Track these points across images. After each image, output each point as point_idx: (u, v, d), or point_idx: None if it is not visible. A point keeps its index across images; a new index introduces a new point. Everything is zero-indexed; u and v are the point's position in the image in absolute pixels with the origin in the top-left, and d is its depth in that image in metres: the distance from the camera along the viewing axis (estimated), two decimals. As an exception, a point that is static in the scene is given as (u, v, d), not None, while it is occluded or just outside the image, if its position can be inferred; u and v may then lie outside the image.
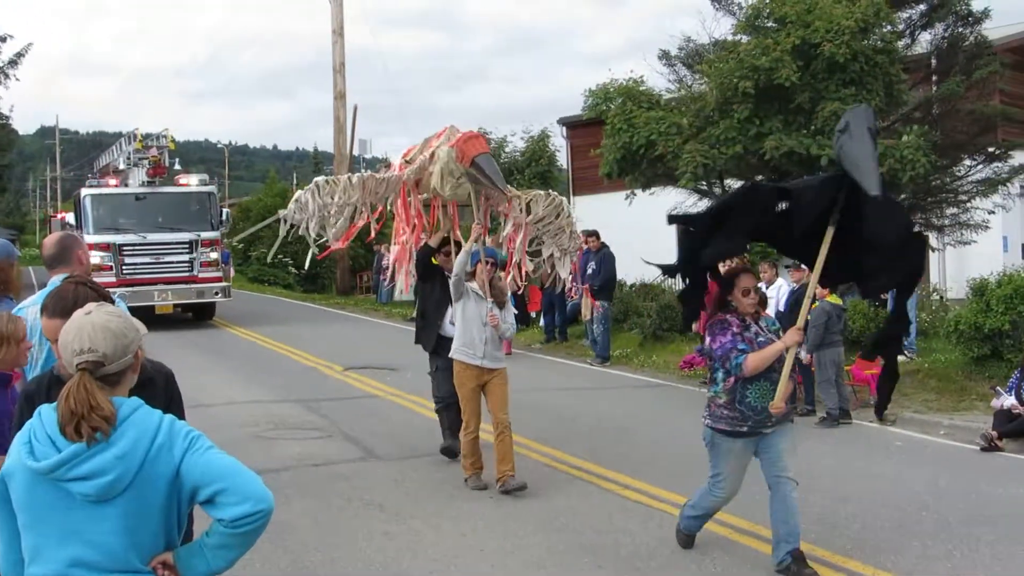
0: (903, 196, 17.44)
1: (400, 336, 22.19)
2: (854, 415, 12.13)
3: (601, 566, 7.04)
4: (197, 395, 13.61)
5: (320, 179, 9.43)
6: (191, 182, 22.41)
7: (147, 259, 20.82)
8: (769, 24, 16.49)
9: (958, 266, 21.67)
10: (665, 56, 20.28)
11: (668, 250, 24.38)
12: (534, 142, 24.06)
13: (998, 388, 11.04)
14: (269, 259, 16.85)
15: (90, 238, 20.53)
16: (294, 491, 8.68)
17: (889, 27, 17.34)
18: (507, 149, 24.16)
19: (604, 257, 17.45)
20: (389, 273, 13.70)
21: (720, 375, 6.44)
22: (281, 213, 9.47)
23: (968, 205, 18.77)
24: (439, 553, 7.04)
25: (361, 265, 32.09)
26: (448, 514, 8.13)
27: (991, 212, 19.16)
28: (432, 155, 9.18)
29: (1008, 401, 10.51)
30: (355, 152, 39.99)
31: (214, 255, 21.95)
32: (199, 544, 2.84)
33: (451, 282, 8.55)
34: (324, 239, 9.82)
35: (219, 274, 22.32)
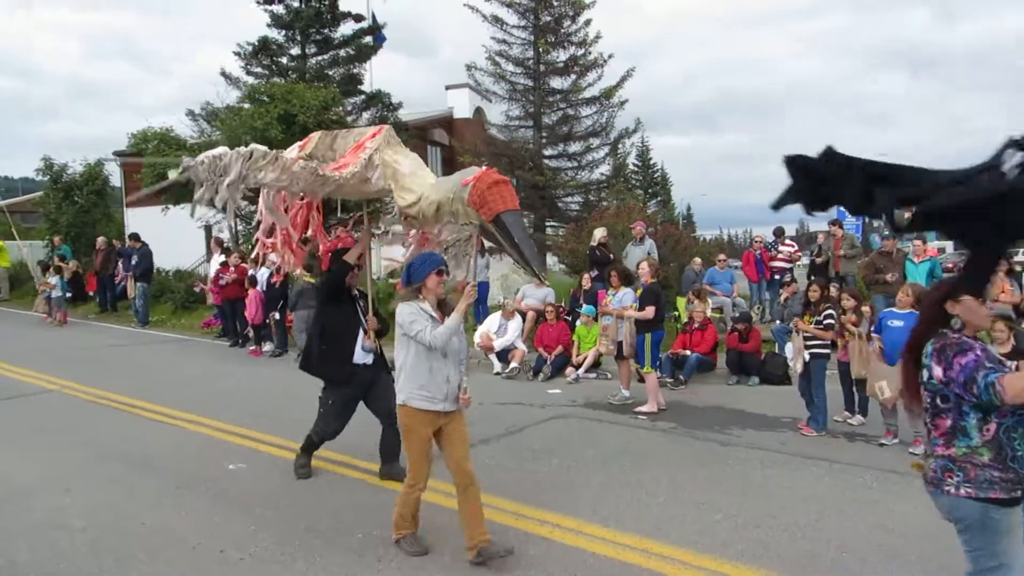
0: (351, 214, 18.25)
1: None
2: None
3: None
4: None
5: (259, 147, 5.23)
6: None
7: None
8: (264, 98, 16.33)
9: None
10: (191, 114, 19.38)
11: (192, 243, 23.18)
12: (91, 167, 21.70)
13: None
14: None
15: None
16: None
17: (341, 108, 18.01)
18: (68, 172, 21.46)
19: (144, 252, 16.26)
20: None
21: (972, 421, 3.05)
22: (186, 161, 5.22)
23: (393, 221, 20.07)
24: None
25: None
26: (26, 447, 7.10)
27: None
28: (370, 160, 5.45)
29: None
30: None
31: None
32: None
33: (435, 339, 4.37)
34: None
35: None
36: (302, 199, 6.24)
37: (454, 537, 4.62)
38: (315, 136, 6.19)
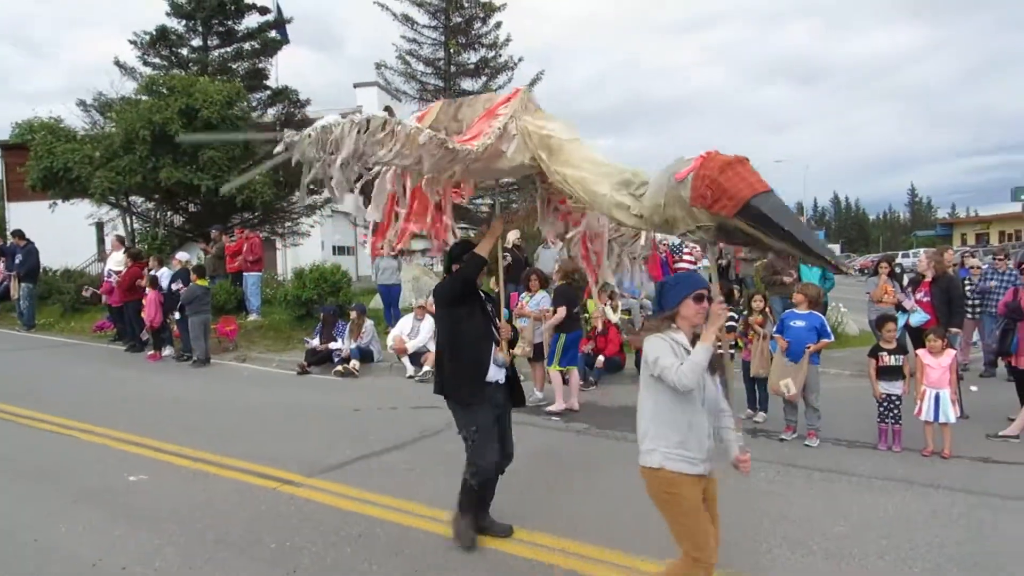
0: (256, 214, 17.75)
1: None
2: (215, 358, 11.99)
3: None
4: None
5: (377, 115, 3.95)
6: None
7: None
8: (163, 90, 15.62)
9: (293, 259, 22.53)
10: (82, 104, 18.28)
11: (83, 244, 22.14)
12: (-33, 158, 20.27)
13: (307, 339, 11.73)
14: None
15: None
16: None
17: (246, 103, 17.45)
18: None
19: (29, 250, 15.30)
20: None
21: None
22: (288, 135, 3.81)
23: (299, 220, 19.93)
24: None
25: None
26: None
27: (312, 225, 20.50)
28: (504, 128, 4.35)
29: (314, 342, 11.25)
30: None
31: None
32: None
33: (681, 377, 3.30)
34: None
35: None
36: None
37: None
38: (436, 105, 4.99)
